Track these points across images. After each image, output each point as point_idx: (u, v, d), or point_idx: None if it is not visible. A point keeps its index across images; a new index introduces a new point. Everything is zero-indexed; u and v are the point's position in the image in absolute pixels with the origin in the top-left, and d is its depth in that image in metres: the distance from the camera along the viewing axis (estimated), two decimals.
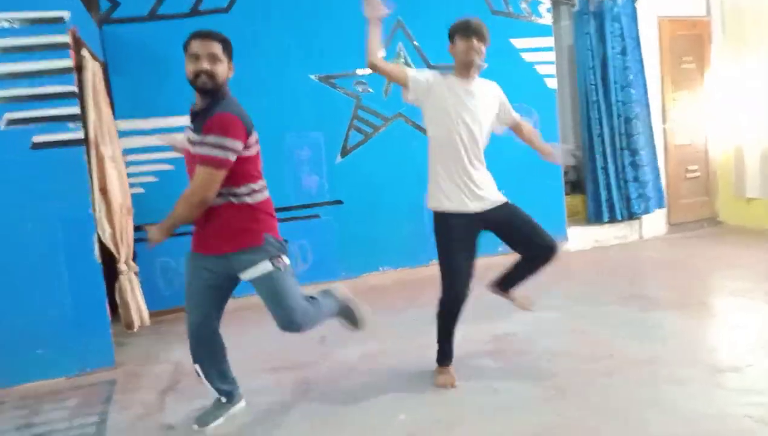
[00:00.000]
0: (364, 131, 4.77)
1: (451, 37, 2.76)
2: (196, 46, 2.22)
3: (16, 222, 3.13)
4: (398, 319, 3.89)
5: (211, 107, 2.22)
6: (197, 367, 2.56)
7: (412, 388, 2.80)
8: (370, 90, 4.75)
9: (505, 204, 2.82)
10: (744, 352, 2.88)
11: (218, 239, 2.33)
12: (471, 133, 2.72)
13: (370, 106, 4.75)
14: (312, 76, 4.58)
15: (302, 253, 4.65)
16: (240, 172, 2.27)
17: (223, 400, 2.65)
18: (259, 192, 2.37)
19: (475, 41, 2.66)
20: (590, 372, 2.79)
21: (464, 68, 2.72)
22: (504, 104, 2.88)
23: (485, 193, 2.77)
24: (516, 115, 2.92)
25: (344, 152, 4.72)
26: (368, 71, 4.73)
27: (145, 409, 2.82)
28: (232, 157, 2.20)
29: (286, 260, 2.40)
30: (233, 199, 2.30)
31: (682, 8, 5.78)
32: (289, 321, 2.42)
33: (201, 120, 2.23)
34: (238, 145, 2.20)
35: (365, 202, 4.77)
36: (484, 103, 2.77)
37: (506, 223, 2.80)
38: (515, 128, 2.97)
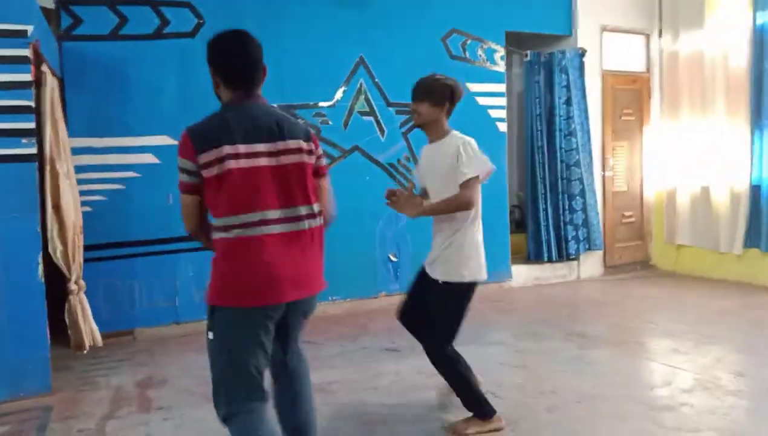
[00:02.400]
0: None
1: None
2: None
3: None
4: (350, 348, 3.93)
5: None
6: None
7: (366, 418, 2.83)
8: (329, 122, 4.84)
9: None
10: (678, 392, 3.06)
11: None
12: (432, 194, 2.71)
13: (329, 137, 4.83)
14: (273, 106, 4.61)
15: None
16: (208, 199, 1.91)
17: None
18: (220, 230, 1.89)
19: (412, 105, 2.68)
20: (535, 407, 2.91)
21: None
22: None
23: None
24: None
25: None
26: (328, 103, 4.84)
27: None
28: (184, 178, 1.88)
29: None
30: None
31: (624, 64, 6.20)
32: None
33: None
34: (187, 163, 1.86)
35: None
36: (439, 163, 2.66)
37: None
38: None
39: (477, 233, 2.67)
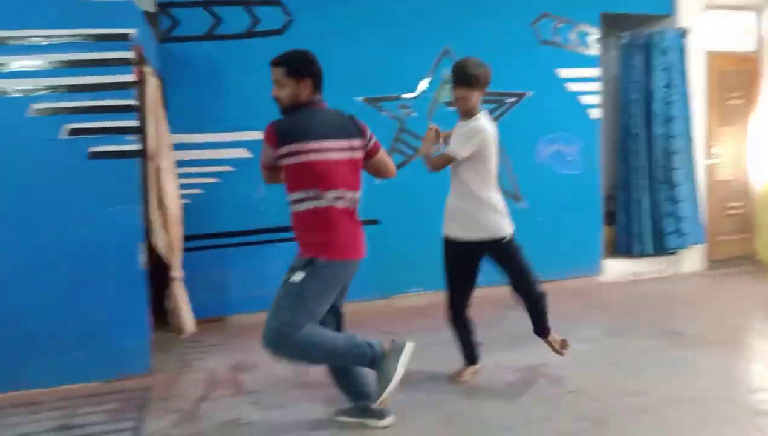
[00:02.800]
0: (406, 153, 4.84)
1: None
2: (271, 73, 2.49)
3: (69, 227, 3.26)
4: (436, 339, 3.92)
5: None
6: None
7: (446, 412, 2.82)
8: (414, 113, 4.83)
9: None
10: None
11: None
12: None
13: (412, 129, 4.82)
14: (358, 98, 4.68)
15: None
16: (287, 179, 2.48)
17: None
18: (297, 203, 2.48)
19: (455, 89, 3.02)
20: (626, 408, 2.77)
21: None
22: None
23: None
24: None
25: None
26: (412, 95, 4.82)
27: (180, 417, 2.89)
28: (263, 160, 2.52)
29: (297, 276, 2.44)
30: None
31: (731, 43, 5.72)
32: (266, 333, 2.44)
33: None
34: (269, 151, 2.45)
35: (402, 223, 4.82)
36: None
37: None
38: None
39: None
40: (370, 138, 2.59)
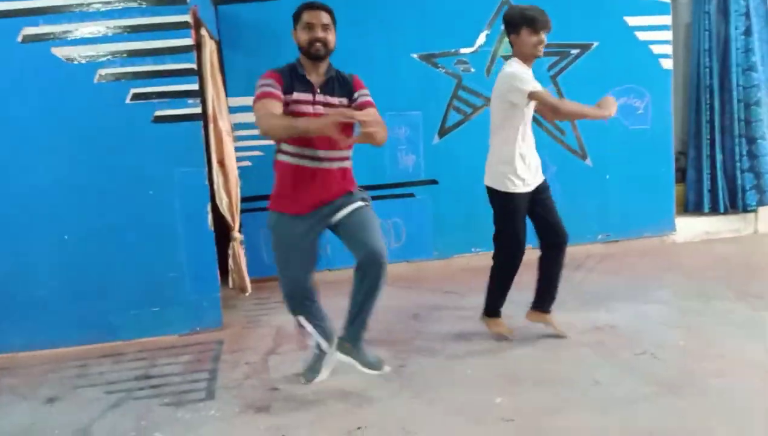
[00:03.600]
0: (463, 111, 4.72)
1: (516, 26, 2.86)
2: (308, 16, 2.42)
3: (139, 190, 3.38)
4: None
5: (336, 72, 2.53)
6: (301, 319, 2.68)
7: (509, 372, 2.79)
8: (472, 70, 4.69)
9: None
10: None
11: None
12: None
13: (470, 86, 4.68)
14: (414, 55, 4.57)
15: (396, 231, 4.71)
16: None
17: (323, 345, 2.72)
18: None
19: (543, 36, 2.84)
20: (700, 372, 2.64)
21: (530, 60, 2.92)
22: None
23: None
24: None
25: (442, 132, 4.71)
26: (470, 50, 4.67)
27: (250, 369, 2.99)
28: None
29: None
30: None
31: None
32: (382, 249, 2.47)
33: (337, 83, 2.51)
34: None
35: (461, 183, 4.73)
36: None
37: None
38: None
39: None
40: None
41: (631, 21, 4.83)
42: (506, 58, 4.68)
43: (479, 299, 3.84)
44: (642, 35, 4.89)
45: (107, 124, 3.32)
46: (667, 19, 4.93)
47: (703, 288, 3.88)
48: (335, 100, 2.49)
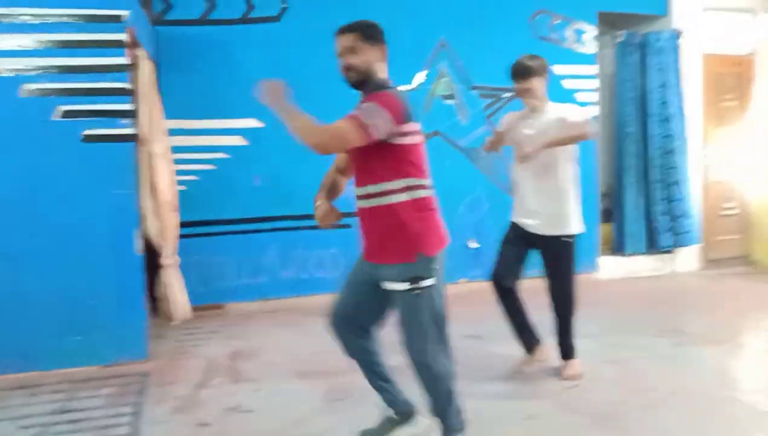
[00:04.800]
0: None
1: None
2: (335, 44, 2.15)
3: (64, 211, 3.20)
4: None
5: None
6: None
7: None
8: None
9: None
10: None
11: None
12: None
13: None
14: None
15: (334, 261, 4.66)
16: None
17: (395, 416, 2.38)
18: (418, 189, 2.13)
19: (515, 84, 3.00)
20: (628, 404, 2.74)
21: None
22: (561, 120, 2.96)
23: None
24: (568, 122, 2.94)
25: None
26: (411, 87, 4.79)
27: (179, 403, 2.83)
28: (376, 132, 1.97)
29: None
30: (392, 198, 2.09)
31: (727, 45, 5.76)
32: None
33: None
34: (392, 123, 2.00)
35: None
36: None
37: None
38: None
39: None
40: None
41: (559, 70, 5.12)
42: (445, 97, 4.89)
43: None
44: (568, 84, 5.20)
45: (31, 140, 3.14)
46: (592, 69, 5.27)
47: (627, 323, 4.06)
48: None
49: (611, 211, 5.84)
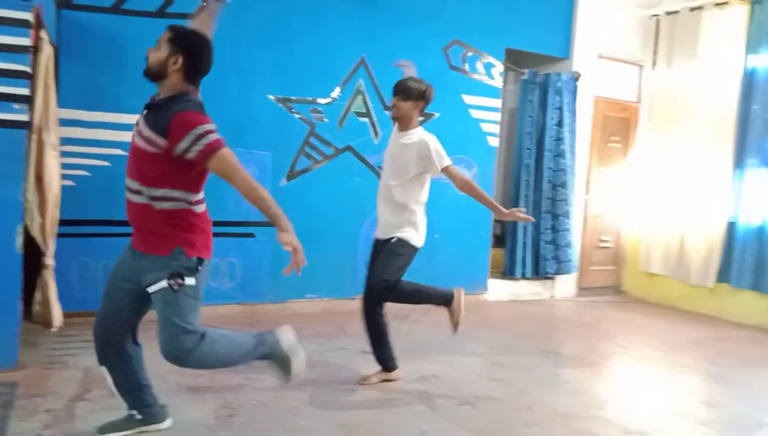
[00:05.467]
0: (313, 158, 4.80)
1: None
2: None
3: None
4: (327, 347, 3.90)
5: (172, 101, 2.18)
6: (103, 370, 2.40)
7: (343, 421, 2.80)
8: (326, 120, 4.81)
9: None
10: (651, 418, 3.10)
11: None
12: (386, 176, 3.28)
13: (322, 135, 4.80)
14: (270, 97, 4.58)
15: (231, 270, 4.55)
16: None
17: (138, 416, 2.49)
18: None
19: (393, 99, 3.20)
20: (513, 421, 2.92)
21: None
22: (425, 158, 3.16)
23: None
24: (448, 169, 3.20)
25: (290, 176, 4.73)
26: (327, 100, 4.80)
27: (51, 418, 2.62)
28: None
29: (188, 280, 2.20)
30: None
31: (616, 92, 6.32)
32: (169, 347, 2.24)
33: (157, 113, 2.17)
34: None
35: (303, 228, 4.56)
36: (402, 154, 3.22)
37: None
38: (451, 178, 3.26)
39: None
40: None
41: (468, 99, 5.37)
42: (359, 115, 4.95)
43: (314, 346, 3.85)
44: (475, 113, 5.46)
45: None
46: (497, 102, 5.57)
47: (511, 343, 4.33)
48: (145, 131, 2.14)
49: (503, 237, 6.18)
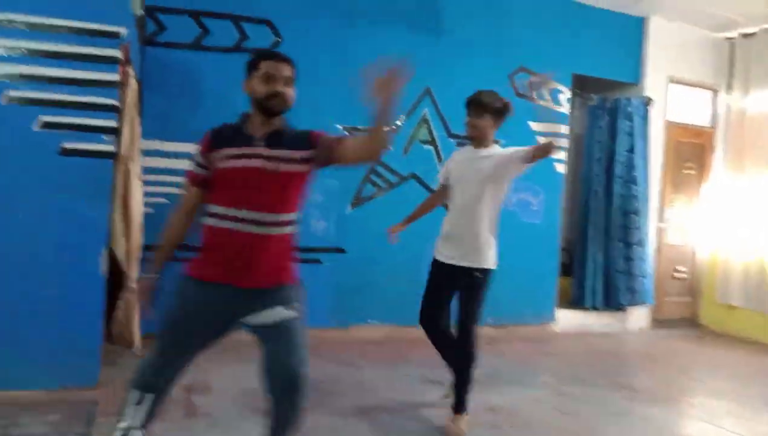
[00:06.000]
0: (378, 185, 4.85)
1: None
2: (268, 66, 2.13)
3: (32, 222, 3.08)
4: (394, 374, 3.88)
5: (287, 127, 2.20)
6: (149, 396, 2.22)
7: None
8: (390, 148, 4.86)
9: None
10: None
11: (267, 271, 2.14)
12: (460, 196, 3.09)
13: (388, 163, 4.85)
14: (338, 126, 4.69)
15: None
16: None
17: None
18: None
19: (468, 117, 3.06)
20: None
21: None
22: (502, 157, 3.00)
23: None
24: (515, 155, 2.94)
25: (355, 203, 4.79)
26: (392, 129, 4.86)
27: None
28: None
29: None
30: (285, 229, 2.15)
31: (689, 117, 6.10)
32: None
33: (286, 137, 2.16)
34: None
35: (367, 254, 4.78)
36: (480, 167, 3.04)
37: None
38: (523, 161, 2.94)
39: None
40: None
41: (536, 126, 5.31)
42: (423, 143, 4.98)
43: (377, 374, 3.84)
44: (542, 140, 5.36)
45: (8, 148, 3.04)
46: (564, 129, 5.48)
47: (580, 376, 4.15)
48: (283, 152, 2.12)
49: (570, 265, 6.01)
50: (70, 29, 3.11)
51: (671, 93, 5.94)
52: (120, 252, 3.37)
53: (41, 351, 3.10)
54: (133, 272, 3.48)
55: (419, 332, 3.25)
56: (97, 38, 3.15)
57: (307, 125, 2.40)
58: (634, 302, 5.71)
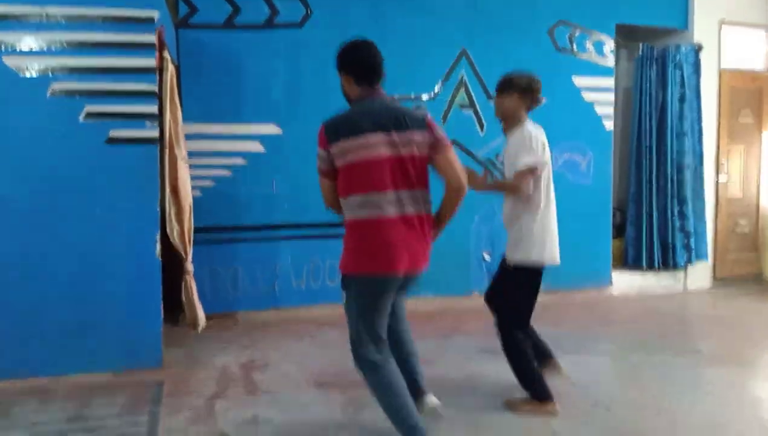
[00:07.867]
0: None
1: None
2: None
3: (85, 212, 3.16)
4: (449, 344, 3.86)
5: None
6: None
7: (468, 414, 2.74)
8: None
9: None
10: None
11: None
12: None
13: None
14: None
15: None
16: None
17: None
18: None
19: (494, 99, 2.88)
20: (655, 426, 2.70)
21: None
22: (508, 157, 2.83)
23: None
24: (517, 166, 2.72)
25: None
26: (427, 96, 4.75)
27: (194, 414, 2.78)
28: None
29: None
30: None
31: (744, 61, 5.74)
32: None
33: None
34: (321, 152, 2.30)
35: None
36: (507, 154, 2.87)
37: None
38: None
39: (545, 219, 2.79)
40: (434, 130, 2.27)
41: (579, 81, 5.10)
42: (462, 107, 4.86)
43: (431, 345, 3.80)
44: (588, 96, 5.17)
45: (57, 140, 3.11)
46: (610, 82, 5.24)
47: (643, 342, 4.00)
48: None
49: (623, 226, 5.80)
50: (105, 18, 3.13)
51: (723, 36, 5.58)
52: (175, 236, 3.42)
53: (106, 335, 3.21)
54: (189, 255, 3.53)
55: (472, 302, 3.17)
56: (132, 24, 3.16)
57: (341, 94, 2.42)
58: (692, 260, 5.48)
